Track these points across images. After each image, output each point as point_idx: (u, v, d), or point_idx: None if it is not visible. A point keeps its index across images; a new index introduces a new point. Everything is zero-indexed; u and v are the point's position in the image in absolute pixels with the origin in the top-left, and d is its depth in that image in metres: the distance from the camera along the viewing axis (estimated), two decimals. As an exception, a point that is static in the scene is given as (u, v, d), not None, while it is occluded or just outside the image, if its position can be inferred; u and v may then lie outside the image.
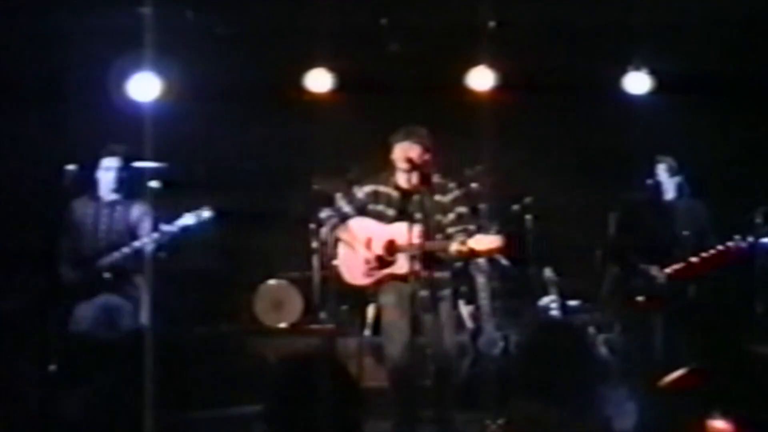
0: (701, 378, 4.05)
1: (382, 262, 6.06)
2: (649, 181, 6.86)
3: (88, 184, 6.52)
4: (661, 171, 6.86)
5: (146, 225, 6.46)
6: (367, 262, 6.09)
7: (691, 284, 6.71)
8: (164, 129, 6.80)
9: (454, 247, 5.90)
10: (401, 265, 5.96)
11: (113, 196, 6.49)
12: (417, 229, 5.88)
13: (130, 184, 6.52)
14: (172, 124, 7.41)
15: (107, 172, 6.49)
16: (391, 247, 6.01)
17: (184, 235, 6.41)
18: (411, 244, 5.86)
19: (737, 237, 6.40)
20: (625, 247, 6.95)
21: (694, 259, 6.50)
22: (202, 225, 6.43)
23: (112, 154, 6.49)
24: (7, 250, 7.08)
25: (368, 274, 6.11)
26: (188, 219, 6.40)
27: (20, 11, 7.30)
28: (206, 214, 6.45)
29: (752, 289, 7.13)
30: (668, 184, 6.85)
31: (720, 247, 6.42)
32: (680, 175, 6.86)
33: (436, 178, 6.16)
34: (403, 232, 5.88)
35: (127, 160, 6.51)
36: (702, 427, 3.60)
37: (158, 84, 7.93)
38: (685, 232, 6.73)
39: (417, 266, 5.87)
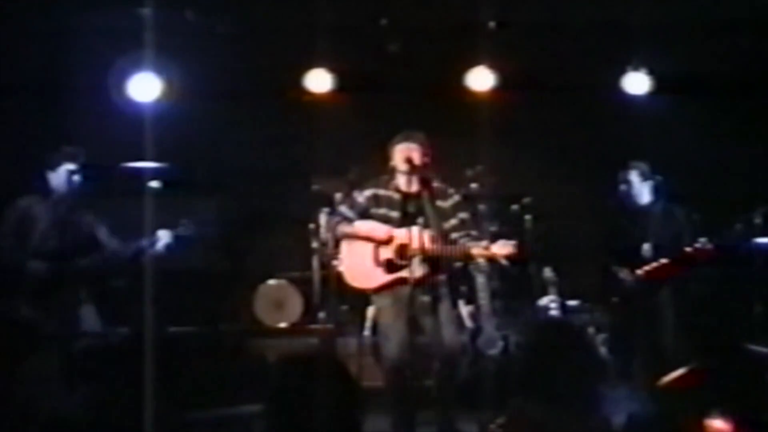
0: (701, 378, 4.05)
1: (392, 266, 6.05)
2: (622, 188, 6.93)
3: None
4: (634, 176, 6.93)
5: (103, 231, 6.42)
6: (377, 264, 6.08)
7: (665, 286, 6.78)
8: (164, 129, 6.81)
9: (476, 251, 5.94)
10: (414, 269, 5.94)
11: (66, 199, 6.37)
12: (427, 233, 5.90)
13: (84, 188, 6.39)
14: (172, 124, 7.42)
15: (61, 175, 6.36)
16: (404, 251, 5.99)
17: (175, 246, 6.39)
18: (428, 250, 5.89)
19: (703, 239, 6.44)
20: (601, 249, 7.04)
21: (663, 261, 6.56)
22: (186, 239, 6.41)
23: (67, 158, 6.36)
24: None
25: (378, 276, 6.10)
26: (167, 236, 6.34)
27: (20, 11, 7.31)
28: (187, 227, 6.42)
29: (752, 289, 7.16)
30: (640, 189, 6.91)
31: (688, 249, 6.47)
32: (654, 180, 6.91)
33: (435, 183, 6.17)
34: (412, 237, 5.88)
35: (82, 164, 6.37)
36: (701, 427, 3.61)
37: (158, 84, 7.94)
38: (660, 235, 6.78)
39: (426, 271, 5.91)
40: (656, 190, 6.91)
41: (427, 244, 5.91)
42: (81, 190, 6.37)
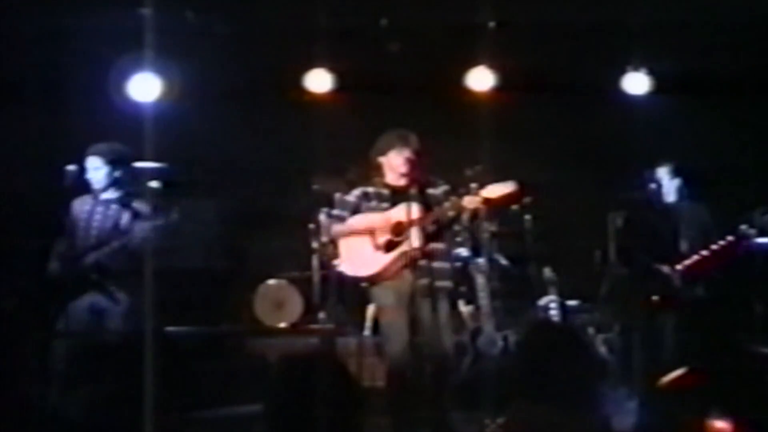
0: (701, 378, 4.05)
1: (391, 245, 6.07)
2: (652, 186, 6.87)
3: (86, 183, 6.41)
4: (662, 174, 6.89)
5: (126, 217, 6.32)
6: (376, 249, 6.09)
7: (702, 282, 6.72)
8: (164, 129, 6.80)
9: (467, 200, 5.94)
10: (412, 241, 5.98)
11: (106, 195, 6.38)
12: (417, 206, 5.98)
13: (122, 182, 6.39)
14: (172, 124, 7.41)
15: (95, 171, 6.37)
16: (400, 228, 6.03)
17: (161, 234, 6.23)
18: (421, 218, 5.95)
19: (743, 227, 6.37)
20: (632, 247, 6.95)
21: (704, 253, 6.45)
22: (172, 225, 6.28)
23: (95, 153, 6.36)
24: (6, 251, 7.07)
25: (379, 259, 6.09)
26: (159, 220, 6.22)
27: (20, 11, 7.31)
28: (174, 215, 6.28)
29: (752, 289, 7.14)
30: (669, 186, 6.87)
31: (729, 239, 6.38)
32: (680, 178, 6.88)
33: (422, 176, 6.22)
34: (404, 212, 5.97)
35: (114, 158, 6.36)
36: (702, 427, 3.61)
37: (158, 84, 7.93)
38: (690, 232, 6.74)
39: (424, 241, 5.96)
40: (681, 189, 6.87)
41: (420, 214, 5.98)
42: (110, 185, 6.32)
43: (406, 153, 6.11)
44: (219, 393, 7.16)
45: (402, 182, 6.16)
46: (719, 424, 3.58)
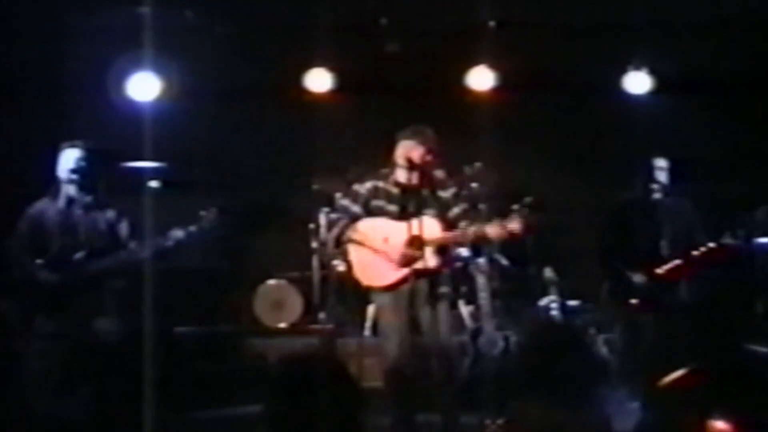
0: (701, 378, 4.04)
1: (407, 258, 5.98)
2: (641, 183, 6.78)
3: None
4: (655, 172, 6.81)
5: (124, 226, 6.04)
6: (390, 260, 6.01)
7: (684, 285, 6.69)
8: (164, 129, 6.81)
9: (491, 230, 5.87)
10: (428, 258, 5.87)
11: (81, 196, 5.99)
12: (437, 223, 5.88)
13: (96, 182, 6.04)
14: (172, 124, 7.42)
15: (69, 167, 5.99)
16: (418, 242, 5.90)
17: (183, 244, 5.99)
18: (442, 238, 5.87)
19: (727, 234, 6.33)
20: (608, 251, 6.87)
21: (686, 258, 6.43)
22: (203, 233, 5.99)
23: (77, 146, 5.98)
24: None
25: (393, 272, 6.01)
26: (191, 229, 5.94)
27: (20, 11, 7.31)
28: (207, 220, 5.99)
29: (752, 289, 7.13)
30: (657, 183, 6.77)
31: (711, 245, 6.34)
32: (666, 173, 6.82)
33: (438, 174, 6.13)
34: (423, 227, 5.81)
35: (89, 154, 6.00)
36: (702, 427, 3.60)
37: (158, 84, 7.93)
38: (675, 228, 6.68)
39: (440, 261, 5.88)
40: (666, 186, 6.80)
41: (440, 234, 5.89)
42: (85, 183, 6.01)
43: (408, 148, 6.02)
44: (219, 393, 7.16)
45: (413, 180, 6.03)
46: (720, 424, 3.58)
